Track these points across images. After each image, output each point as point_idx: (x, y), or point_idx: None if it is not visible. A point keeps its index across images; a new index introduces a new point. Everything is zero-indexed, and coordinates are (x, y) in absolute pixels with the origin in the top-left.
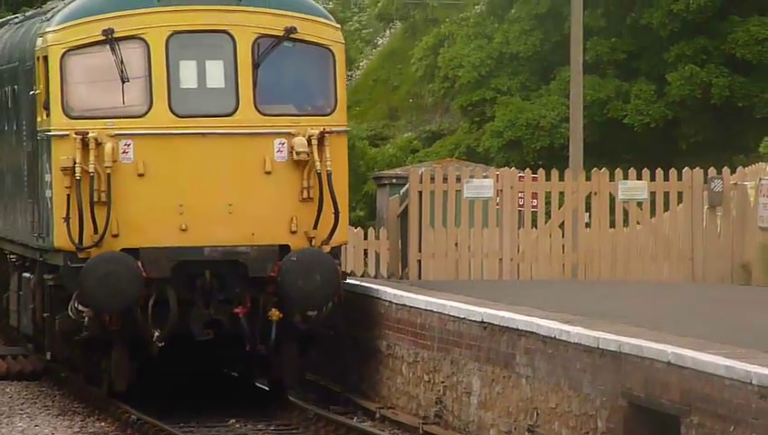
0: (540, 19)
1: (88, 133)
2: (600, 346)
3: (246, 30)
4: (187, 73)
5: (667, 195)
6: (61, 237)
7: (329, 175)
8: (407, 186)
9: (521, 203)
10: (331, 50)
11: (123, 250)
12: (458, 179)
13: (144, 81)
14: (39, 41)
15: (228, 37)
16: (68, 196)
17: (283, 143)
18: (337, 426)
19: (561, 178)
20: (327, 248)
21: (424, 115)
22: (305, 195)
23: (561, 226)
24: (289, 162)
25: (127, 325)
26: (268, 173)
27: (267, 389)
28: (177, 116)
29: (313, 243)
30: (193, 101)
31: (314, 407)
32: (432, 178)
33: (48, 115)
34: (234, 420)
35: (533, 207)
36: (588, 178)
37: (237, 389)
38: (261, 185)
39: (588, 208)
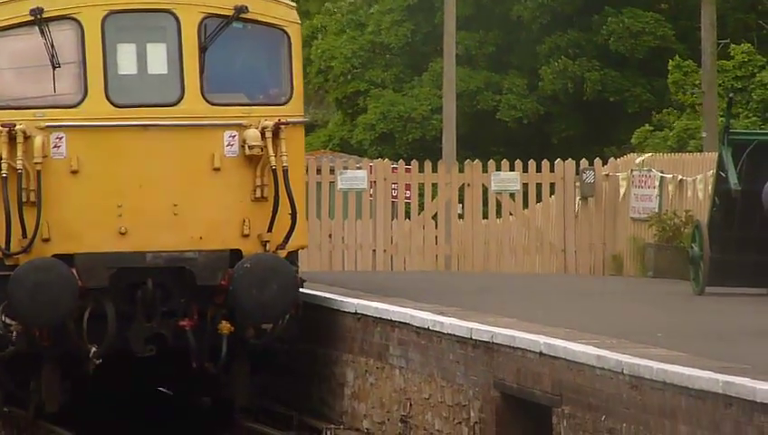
0: (411, 10)
1: (15, 126)
2: (473, 337)
3: (192, 9)
4: (126, 58)
5: (539, 186)
6: None
7: (285, 171)
8: None
9: (394, 195)
10: (286, 31)
11: (55, 256)
12: (332, 171)
13: (78, 66)
14: None
15: (172, 17)
16: None
17: (234, 136)
18: None
19: (435, 170)
20: (283, 253)
21: None
22: (259, 194)
23: (435, 217)
24: (240, 157)
25: (59, 341)
26: (217, 170)
27: (214, 409)
28: (115, 106)
29: (268, 247)
30: (133, 89)
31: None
32: (306, 170)
33: None
34: None
35: (407, 198)
36: (461, 170)
37: (180, 409)
38: (209, 183)
39: (461, 200)
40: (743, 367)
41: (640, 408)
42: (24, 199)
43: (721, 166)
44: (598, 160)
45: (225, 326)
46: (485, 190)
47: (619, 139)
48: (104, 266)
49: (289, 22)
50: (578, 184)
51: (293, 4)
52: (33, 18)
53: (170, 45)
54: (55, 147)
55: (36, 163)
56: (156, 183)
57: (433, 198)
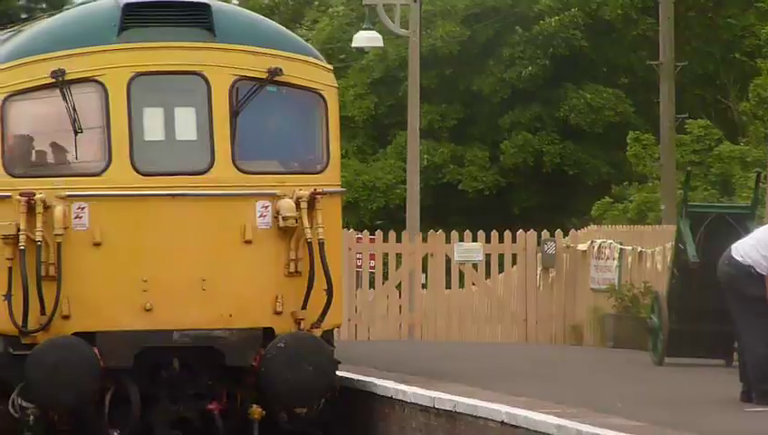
0: (374, 84)
1: (34, 195)
2: (436, 405)
3: (223, 71)
4: (153, 123)
5: (501, 257)
6: (0, 319)
7: (321, 244)
8: None
9: (359, 264)
10: (322, 95)
11: (76, 334)
12: None
13: (101, 132)
14: None
15: (201, 80)
16: (9, 269)
17: (267, 207)
18: None
19: (399, 240)
20: (318, 332)
21: None
22: (293, 268)
23: (399, 286)
24: (273, 229)
25: (79, 425)
26: (249, 242)
27: None
28: (141, 174)
29: (302, 326)
30: (160, 156)
31: None
32: None
33: None
34: None
35: (371, 268)
36: (424, 240)
37: None
38: (240, 256)
39: (424, 270)
40: None
41: None
42: (43, 273)
43: (679, 238)
44: (559, 232)
45: (257, 410)
46: (448, 260)
47: (578, 210)
48: (128, 345)
49: (326, 85)
50: (539, 254)
51: (330, 66)
52: (54, 80)
53: (200, 110)
54: (77, 218)
55: (57, 235)
56: (183, 256)
57: (397, 267)
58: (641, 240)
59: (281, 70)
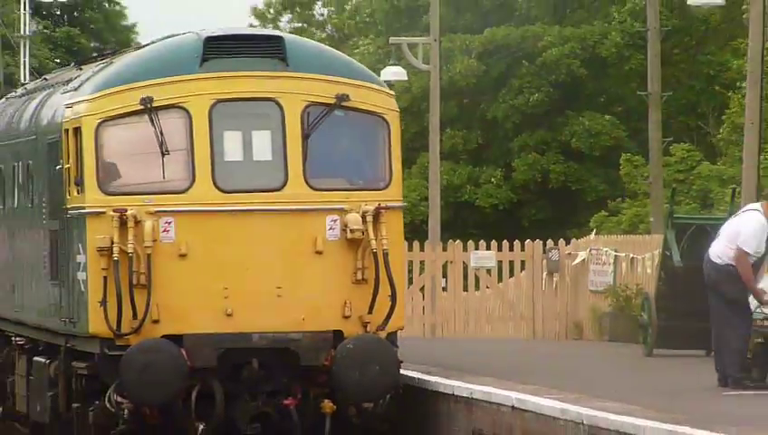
0: (400, 113)
1: (126, 211)
2: (455, 393)
3: (295, 98)
4: (232, 145)
5: (512, 263)
6: (97, 323)
7: (385, 255)
8: None
9: None
10: (385, 119)
11: (165, 337)
12: None
13: (186, 153)
14: (68, 111)
15: (276, 106)
16: (104, 278)
17: (336, 220)
18: None
19: (422, 249)
20: (383, 334)
21: None
22: (359, 276)
23: (422, 290)
24: (342, 241)
25: (168, 419)
26: (319, 253)
27: None
28: (222, 191)
29: (369, 329)
30: (238, 175)
31: None
32: None
33: (81, 191)
34: None
35: None
36: (444, 249)
37: None
38: (312, 266)
39: (444, 275)
40: (683, 417)
41: None
42: (134, 282)
43: (666, 246)
44: (561, 241)
45: (328, 405)
46: (465, 267)
47: (579, 222)
48: (212, 347)
49: (388, 109)
50: (545, 261)
51: (392, 92)
52: (143, 107)
53: (274, 133)
54: (164, 231)
55: (146, 247)
56: (260, 266)
57: (420, 273)
58: (633, 248)
59: (347, 96)
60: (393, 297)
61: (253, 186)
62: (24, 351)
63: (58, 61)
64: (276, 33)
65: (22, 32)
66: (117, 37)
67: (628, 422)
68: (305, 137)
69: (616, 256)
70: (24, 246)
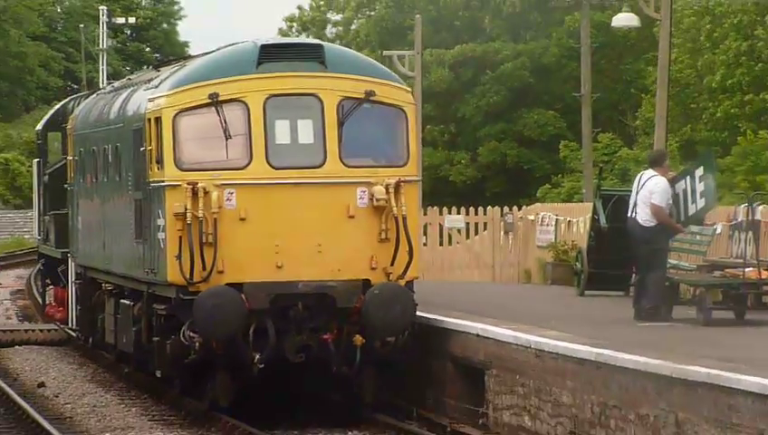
0: None
1: (197, 183)
2: (432, 324)
3: (332, 93)
4: (282, 131)
5: (477, 225)
6: (173, 273)
7: (404, 219)
8: None
9: None
10: (404, 110)
11: (228, 285)
12: None
13: (244, 138)
14: (150, 104)
15: (317, 99)
16: (180, 237)
17: (365, 191)
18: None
19: None
20: (403, 282)
21: None
22: (383, 236)
23: None
24: (369, 208)
25: (230, 350)
26: (351, 217)
27: (344, 404)
28: (274, 168)
29: (391, 278)
30: (286, 154)
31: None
32: None
33: (161, 168)
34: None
35: None
36: (425, 214)
37: (319, 403)
38: (345, 228)
39: (425, 233)
40: (607, 342)
41: (541, 370)
42: (203, 241)
43: (595, 211)
44: (515, 208)
45: (359, 339)
46: (441, 227)
47: (529, 193)
48: (265, 293)
49: (406, 102)
50: (502, 223)
51: (409, 89)
52: (210, 101)
53: (315, 121)
54: (228, 200)
55: (213, 213)
56: (304, 228)
57: None
58: (570, 213)
59: (374, 92)
60: (410, 253)
61: (298, 163)
62: (111, 295)
63: (128, 68)
64: (316, 41)
65: (101, 46)
66: (173, 51)
67: (563, 346)
68: (340, 124)
69: (557, 219)
70: (112, 212)
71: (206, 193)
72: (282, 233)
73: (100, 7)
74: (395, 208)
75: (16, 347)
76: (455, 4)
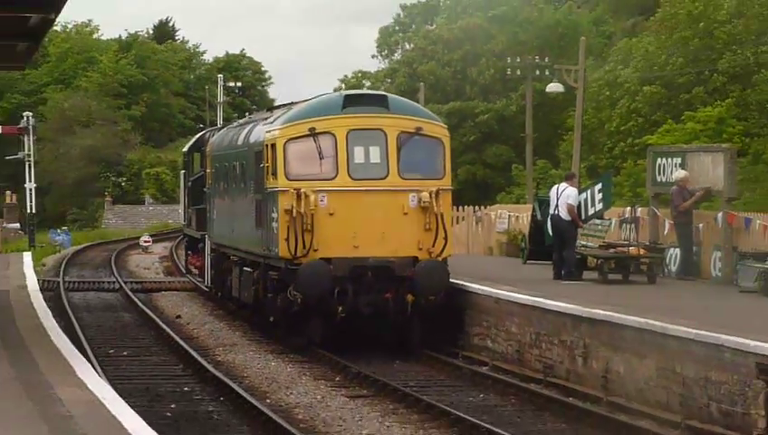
0: None
1: (300, 189)
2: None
3: (393, 128)
4: (358, 154)
5: (459, 218)
6: (283, 251)
7: (442, 216)
8: None
9: None
10: (442, 140)
11: (321, 259)
12: None
13: (333, 158)
14: (267, 135)
15: (382, 133)
16: (288, 226)
17: (415, 196)
18: (445, 364)
19: None
20: (441, 258)
21: None
22: (427, 227)
23: None
24: (418, 207)
25: (322, 304)
26: (405, 214)
27: (400, 344)
28: (353, 179)
29: (432, 255)
30: (361, 170)
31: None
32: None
33: (275, 179)
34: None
35: None
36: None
37: (381, 344)
38: (401, 221)
39: None
40: (542, 293)
41: (498, 311)
42: (304, 229)
43: (534, 210)
44: (482, 208)
45: (410, 297)
46: None
47: (492, 198)
48: (346, 265)
49: (443, 135)
50: (474, 217)
51: (445, 125)
52: (309, 133)
53: (381, 147)
54: (321, 201)
55: (311, 210)
56: (373, 221)
57: None
58: (518, 211)
59: (421, 128)
60: (446, 239)
61: (369, 176)
62: (237, 264)
63: (236, 115)
64: (383, 93)
65: (218, 100)
66: (265, 103)
67: (513, 295)
68: (398, 150)
69: (509, 215)
70: (238, 208)
71: (306, 196)
72: (358, 224)
73: (219, 75)
74: (435, 208)
75: (162, 292)
76: (446, 75)
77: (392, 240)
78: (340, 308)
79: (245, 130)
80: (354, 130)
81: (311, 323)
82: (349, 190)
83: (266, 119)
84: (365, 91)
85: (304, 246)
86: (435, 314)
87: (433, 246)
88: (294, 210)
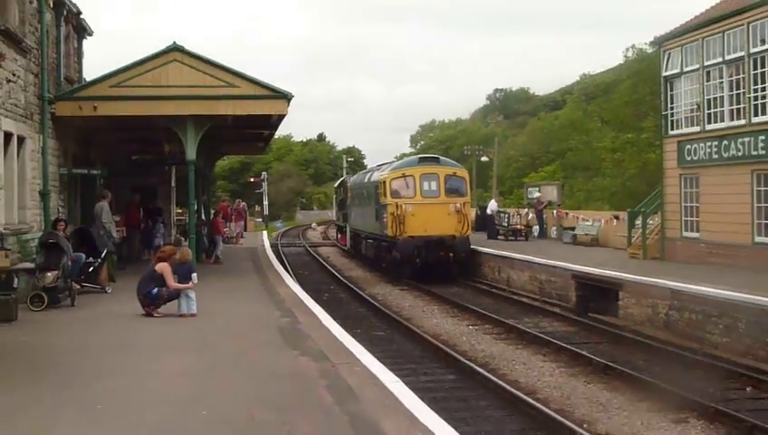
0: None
1: (397, 203)
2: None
3: (443, 172)
4: (426, 185)
5: None
6: (391, 232)
7: (466, 215)
8: None
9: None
10: (465, 178)
11: (408, 236)
12: None
13: (414, 188)
14: (381, 176)
15: (437, 175)
16: (392, 220)
17: (453, 205)
18: (467, 286)
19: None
20: (467, 235)
21: None
22: (459, 220)
23: None
24: (454, 211)
25: (410, 258)
26: (449, 214)
27: (448, 276)
28: (423, 198)
29: (462, 234)
30: (428, 193)
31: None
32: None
33: (385, 198)
34: (439, 286)
35: None
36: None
37: (440, 277)
38: (447, 218)
39: None
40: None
41: (488, 260)
42: (399, 221)
43: (479, 210)
44: None
45: (451, 255)
46: None
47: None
48: (421, 240)
49: (466, 176)
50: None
51: (466, 170)
52: (402, 175)
53: (438, 182)
54: (408, 208)
55: (402, 212)
56: (434, 218)
57: None
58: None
59: (455, 173)
60: (468, 226)
61: (431, 196)
62: (364, 239)
63: (349, 172)
64: (437, 155)
65: (344, 164)
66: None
67: (494, 252)
68: (445, 183)
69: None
70: (367, 212)
71: (400, 206)
72: (426, 220)
73: (343, 155)
74: (463, 211)
75: (320, 247)
76: (449, 139)
77: (443, 227)
78: (418, 260)
79: (369, 175)
80: (424, 173)
81: (403, 267)
82: (422, 204)
83: (380, 168)
84: (428, 154)
85: (399, 231)
86: (464, 263)
87: (462, 229)
88: (395, 213)
